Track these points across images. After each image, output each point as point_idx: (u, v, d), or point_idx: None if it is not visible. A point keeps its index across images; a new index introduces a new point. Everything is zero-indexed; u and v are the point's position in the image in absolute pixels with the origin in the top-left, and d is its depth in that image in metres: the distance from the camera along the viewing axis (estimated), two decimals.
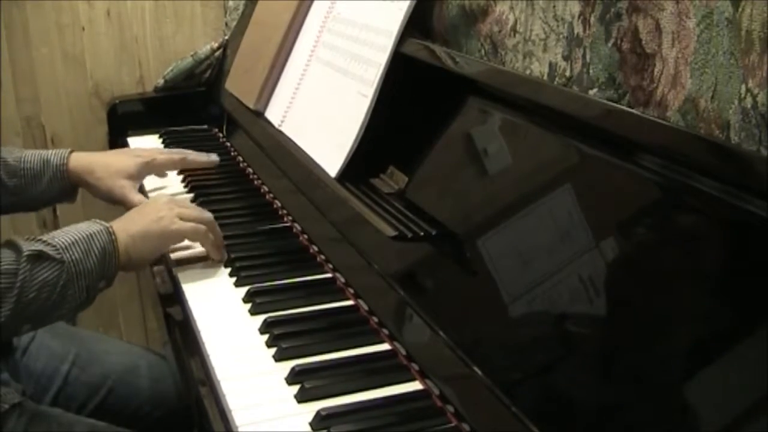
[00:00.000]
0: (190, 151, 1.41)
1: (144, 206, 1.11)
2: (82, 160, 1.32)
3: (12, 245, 0.94)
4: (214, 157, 1.41)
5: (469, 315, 0.84)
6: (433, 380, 0.81)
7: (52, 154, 1.31)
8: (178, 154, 1.40)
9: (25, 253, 0.93)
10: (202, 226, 1.08)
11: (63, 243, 0.97)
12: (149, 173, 1.37)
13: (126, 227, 1.04)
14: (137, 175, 1.33)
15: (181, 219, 1.07)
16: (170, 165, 1.39)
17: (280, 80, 1.46)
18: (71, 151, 1.32)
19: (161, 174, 1.41)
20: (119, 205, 1.31)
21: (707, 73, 0.75)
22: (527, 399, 0.72)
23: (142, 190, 1.38)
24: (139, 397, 1.26)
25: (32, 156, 1.30)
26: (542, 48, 0.99)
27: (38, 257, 0.94)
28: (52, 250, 0.95)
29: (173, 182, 1.44)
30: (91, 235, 0.99)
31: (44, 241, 0.96)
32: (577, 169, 0.80)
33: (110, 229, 1.01)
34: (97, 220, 1.03)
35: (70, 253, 0.96)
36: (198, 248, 1.13)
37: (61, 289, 0.95)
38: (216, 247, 1.10)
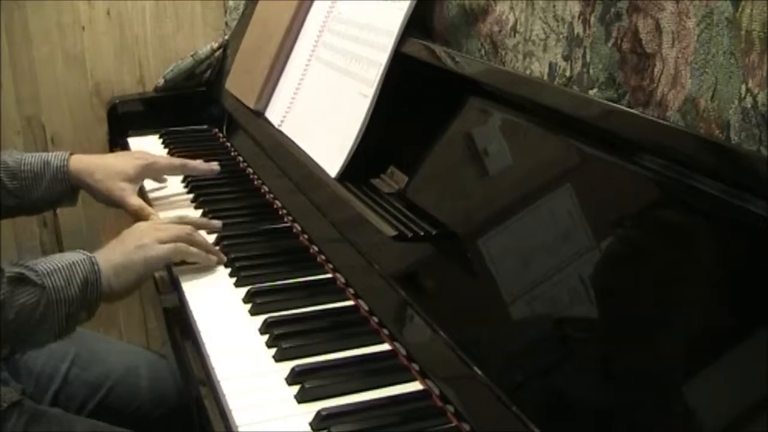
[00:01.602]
0: (190, 160, 1.41)
1: (124, 235, 1.10)
2: (82, 161, 1.32)
3: None
4: (215, 167, 1.41)
5: (469, 315, 0.84)
6: (434, 380, 0.82)
7: (53, 156, 1.31)
8: (179, 160, 1.40)
9: (7, 275, 0.93)
10: (182, 244, 1.08)
11: (45, 269, 0.96)
12: (149, 176, 1.37)
13: (108, 257, 1.03)
14: (136, 178, 1.33)
15: (161, 242, 1.07)
16: (170, 170, 1.39)
17: (281, 80, 1.46)
18: (71, 153, 1.32)
19: (160, 179, 1.41)
20: (118, 207, 1.31)
21: (707, 73, 0.74)
22: (527, 399, 0.72)
23: (141, 191, 1.38)
24: (139, 396, 1.26)
25: (32, 158, 1.30)
26: (542, 48, 0.99)
27: (19, 280, 0.94)
28: (34, 275, 0.95)
29: (173, 182, 1.44)
30: (73, 263, 0.99)
31: (26, 266, 0.96)
32: (577, 169, 0.80)
33: (93, 259, 1.01)
34: (81, 250, 1.03)
35: (52, 279, 0.96)
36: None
37: (40, 315, 0.94)
38: (203, 258, 1.09)
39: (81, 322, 1.00)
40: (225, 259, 1.12)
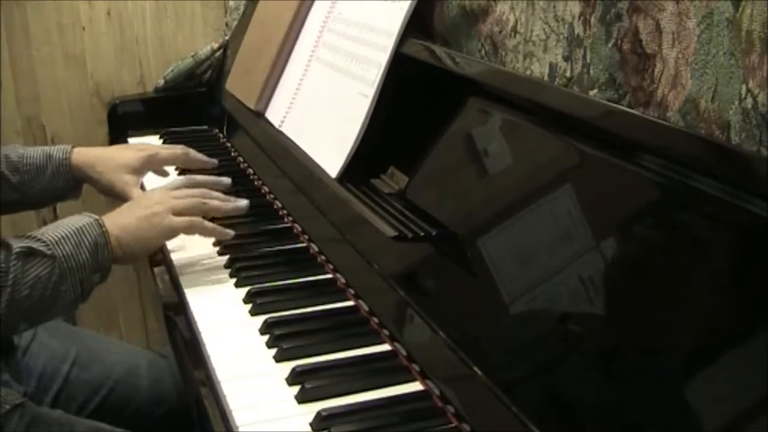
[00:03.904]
0: (191, 149, 1.41)
1: (137, 200, 1.10)
2: (84, 154, 1.32)
3: (1, 243, 0.94)
4: (214, 160, 1.41)
5: (469, 315, 0.84)
6: (434, 381, 0.82)
7: (55, 150, 1.31)
8: (180, 149, 1.40)
9: (15, 250, 0.93)
10: (197, 219, 1.08)
11: (53, 238, 0.96)
12: (152, 168, 1.37)
13: (117, 221, 1.03)
14: (139, 169, 1.33)
15: (175, 212, 1.07)
16: (172, 160, 1.39)
17: (281, 80, 1.46)
18: (74, 147, 1.32)
19: (162, 171, 1.40)
20: (120, 200, 1.31)
21: (707, 74, 0.74)
22: (527, 399, 0.72)
23: (142, 188, 1.38)
24: (139, 396, 1.26)
25: (35, 151, 1.30)
26: (542, 48, 0.99)
27: (29, 254, 0.93)
28: (43, 246, 0.94)
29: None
30: (81, 228, 0.98)
31: (34, 237, 0.96)
32: (577, 169, 0.80)
33: (100, 221, 1.00)
34: (87, 213, 1.02)
35: (61, 248, 0.95)
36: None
37: (54, 285, 0.94)
38: (218, 233, 1.09)
39: (96, 285, 1.00)
40: (247, 204, 1.13)
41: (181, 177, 1.22)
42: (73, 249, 0.96)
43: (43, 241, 0.95)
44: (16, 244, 0.93)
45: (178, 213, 1.07)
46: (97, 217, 1.01)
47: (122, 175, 1.30)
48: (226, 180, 1.20)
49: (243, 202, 1.12)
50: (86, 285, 0.98)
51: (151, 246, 1.07)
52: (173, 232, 1.07)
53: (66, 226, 0.98)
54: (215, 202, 1.11)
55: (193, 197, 1.10)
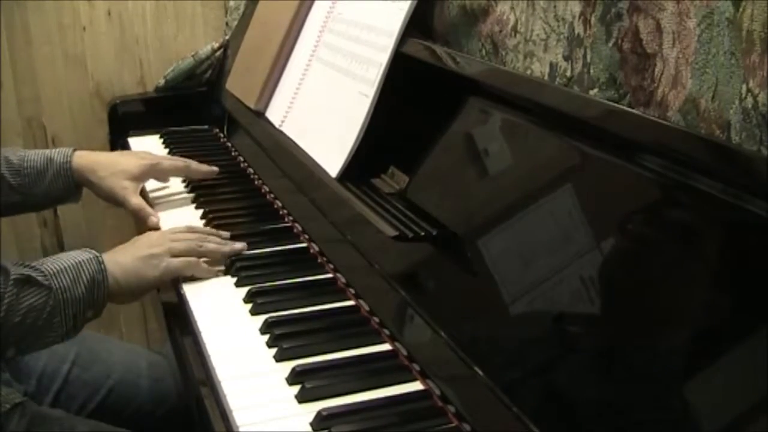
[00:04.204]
0: (193, 161, 1.41)
1: (136, 241, 1.09)
2: (85, 158, 1.32)
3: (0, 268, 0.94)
4: (214, 168, 1.41)
5: (469, 315, 0.84)
6: (434, 380, 0.82)
7: (56, 153, 1.31)
8: (182, 161, 1.40)
9: (13, 276, 0.93)
10: (194, 259, 1.07)
11: (51, 270, 0.96)
12: (152, 177, 1.37)
13: (117, 260, 1.02)
14: (140, 177, 1.33)
15: (173, 254, 1.06)
16: (174, 171, 1.39)
17: (281, 80, 1.46)
18: (75, 150, 1.32)
19: (164, 179, 1.41)
20: (119, 205, 1.31)
21: (708, 73, 0.74)
22: (527, 399, 0.72)
23: (142, 191, 1.38)
24: (139, 396, 1.26)
25: (35, 155, 1.30)
26: (543, 48, 0.99)
27: (26, 282, 0.93)
28: (40, 276, 0.94)
29: (174, 182, 1.44)
30: (80, 263, 0.98)
31: (33, 267, 0.96)
32: (578, 169, 0.80)
33: (100, 259, 1.00)
34: (88, 249, 1.02)
35: (59, 280, 0.95)
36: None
37: (48, 315, 0.94)
38: (213, 274, 1.09)
39: (88, 321, 1.00)
40: (245, 246, 1.12)
41: (182, 225, 1.20)
42: (70, 282, 0.96)
43: (42, 272, 0.95)
44: (14, 271, 0.93)
45: (176, 255, 1.07)
46: (97, 253, 1.01)
47: (122, 180, 1.30)
48: (224, 233, 1.17)
49: (240, 245, 1.12)
50: (79, 319, 0.98)
51: (148, 286, 1.06)
52: (171, 274, 1.06)
53: (66, 260, 0.98)
54: (212, 245, 1.11)
55: (191, 240, 1.10)
